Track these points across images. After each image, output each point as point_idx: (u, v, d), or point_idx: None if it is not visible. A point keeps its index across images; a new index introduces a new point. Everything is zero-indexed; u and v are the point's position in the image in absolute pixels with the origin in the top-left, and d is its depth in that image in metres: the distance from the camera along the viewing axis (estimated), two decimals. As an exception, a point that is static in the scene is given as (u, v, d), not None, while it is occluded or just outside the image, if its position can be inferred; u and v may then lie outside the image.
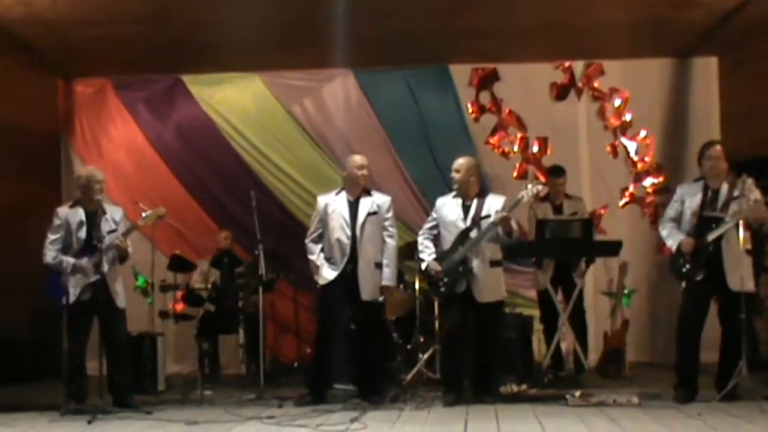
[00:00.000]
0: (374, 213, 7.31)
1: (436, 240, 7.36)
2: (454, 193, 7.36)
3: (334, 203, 7.35)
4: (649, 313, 9.90)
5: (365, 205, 7.33)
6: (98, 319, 7.00)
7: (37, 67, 10.04)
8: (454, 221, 7.22)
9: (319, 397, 7.19)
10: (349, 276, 7.20)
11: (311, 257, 7.36)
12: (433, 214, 7.44)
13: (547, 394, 7.26)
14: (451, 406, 6.85)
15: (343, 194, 7.40)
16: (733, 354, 6.63)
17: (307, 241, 7.44)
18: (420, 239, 7.43)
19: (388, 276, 7.33)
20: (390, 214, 7.43)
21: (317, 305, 7.64)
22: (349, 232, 7.24)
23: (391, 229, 7.41)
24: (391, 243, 7.39)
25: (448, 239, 7.24)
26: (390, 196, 7.59)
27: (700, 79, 10.24)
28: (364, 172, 7.37)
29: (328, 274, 7.26)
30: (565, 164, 9.16)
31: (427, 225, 7.47)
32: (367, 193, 7.41)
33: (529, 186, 7.16)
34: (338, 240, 7.24)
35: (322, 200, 7.46)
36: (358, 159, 7.44)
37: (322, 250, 7.36)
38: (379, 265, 7.31)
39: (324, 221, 7.35)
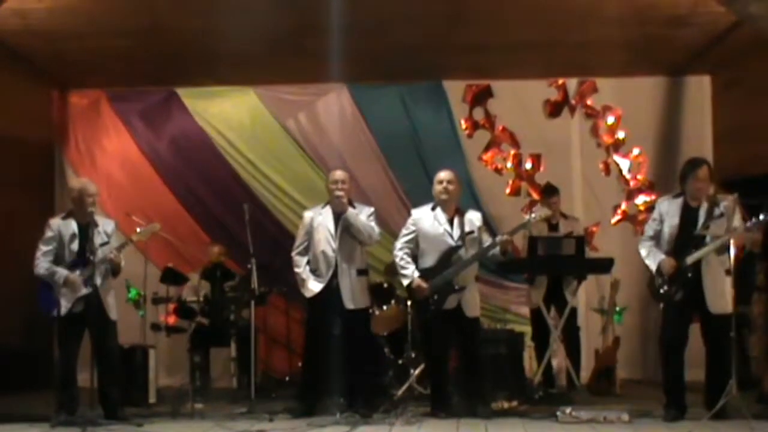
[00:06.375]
0: None
1: (414, 252, 7.34)
2: (431, 205, 7.34)
3: (320, 216, 7.39)
4: (641, 330, 9.90)
5: None
6: (90, 331, 6.98)
7: (32, 78, 10.05)
8: (440, 236, 7.19)
9: (308, 409, 7.19)
10: (334, 289, 7.24)
11: (297, 270, 7.41)
12: (411, 227, 7.36)
13: (538, 411, 7.24)
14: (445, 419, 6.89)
15: (329, 208, 7.42)
16: (721, 373, 6.58)
17: (293, 254, 7.48)
18: (398, 254, 7.33)
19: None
20: (374, 224, 7.46)
21: (306, 318, 7.65)
22: (334, 245, 7.27)
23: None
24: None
25: (430, 253, 7.22)
26: (374, 207, 7.61)
27: (693, 97, 10.31)
28: (340, 186, 7.36)
29: (314, 286, 7.30)
30: (558, 181, 9.18)
31: (405, 238, 7.37)
32: (352, 205, 7.41)
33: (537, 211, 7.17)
34: (323, 252, 7.28)
35: (308, 214, 7.53)
36: (337, 174, 7.48)
37: (308, 262, 7.40)
38: (361, 272, 7.36)
39: (310, 234, 7.40)
